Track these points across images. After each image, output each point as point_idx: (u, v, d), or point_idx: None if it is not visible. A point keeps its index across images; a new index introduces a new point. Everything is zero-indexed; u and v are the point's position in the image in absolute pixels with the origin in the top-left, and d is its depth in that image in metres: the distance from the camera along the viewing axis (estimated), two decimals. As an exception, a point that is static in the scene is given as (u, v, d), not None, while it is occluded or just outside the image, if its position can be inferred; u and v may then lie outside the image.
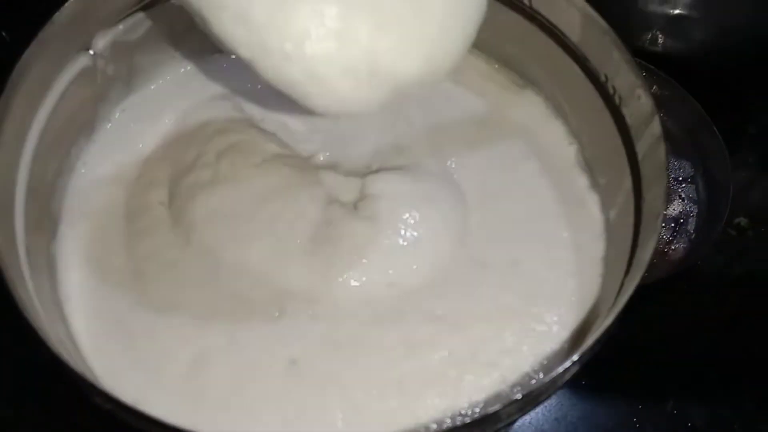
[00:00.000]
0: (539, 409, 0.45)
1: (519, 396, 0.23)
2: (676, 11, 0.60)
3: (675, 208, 0.58)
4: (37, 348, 0.26)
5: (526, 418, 0.44)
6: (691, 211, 0.58)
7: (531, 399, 0.24)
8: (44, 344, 0.25)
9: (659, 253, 0.56)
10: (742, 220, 0.58)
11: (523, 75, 0.40)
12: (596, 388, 0.49)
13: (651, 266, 0.53)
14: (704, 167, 0.60)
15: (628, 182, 0.32)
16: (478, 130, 0.40)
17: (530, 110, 0.40)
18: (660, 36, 0.62)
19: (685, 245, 0.56)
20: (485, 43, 0.41)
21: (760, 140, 0.63)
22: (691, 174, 0.60)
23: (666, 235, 0.57)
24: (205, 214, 0.35)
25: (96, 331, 0.32)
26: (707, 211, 0.58)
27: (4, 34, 0.64)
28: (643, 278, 0.52)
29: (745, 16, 0.60)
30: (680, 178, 0.60)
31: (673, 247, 0.56)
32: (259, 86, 0.39)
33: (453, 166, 0.38)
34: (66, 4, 0.33)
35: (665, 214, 0.56)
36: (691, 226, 0.57)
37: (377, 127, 0.39)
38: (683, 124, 0.60)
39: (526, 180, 0.38)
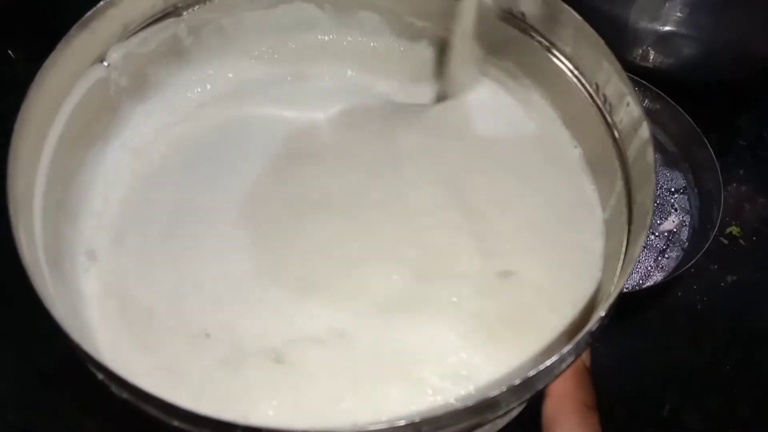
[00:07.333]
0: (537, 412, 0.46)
1: (517, 381, 0.25)
2: (666, 28, 0.62)
3: (668, 218, 0.60)
4: (55, 346, 0.27)
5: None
6: (684, 221, 0.60)
7: (528, 386, 0.26)
8: (68, 338, 0.26)
9: (654, 262, 0.57)
10: (734, 229, 0.60)
11: (522, 85, 0.42)
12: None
13: (645, 274, 0.55)
14: (696, 178, 0.61)
15: (620, 184, 0.34)
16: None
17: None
18: (651, 52, 0.63)
19: (678, 254, 0.58)
20: (485, 58, 0.42)
21: (749, 152, 0.64)
22: (683, 185, 0.61)
23: (660, 244, 0.58)
24: None
25: (110, 325, 0.33)
26: (699, 221, 0.59)
27: (10, 52, 0.66)
28: (638, 285, 0.54)
29: (732, 32, 0.61)
30: (673, 189, 0.61)
31: (666, 256, 0.58)
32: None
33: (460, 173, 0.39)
34: (82, 18, 0.34)
35: (658, 224, 0.58)
36: (683, 236, 0.59)
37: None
38: (675, 137, 0.62)
39: (537, 182, 0.39)
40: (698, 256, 0.53)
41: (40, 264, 0.30)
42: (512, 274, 0.35)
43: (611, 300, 0.27)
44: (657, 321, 0.56)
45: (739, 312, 0.56)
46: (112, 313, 0.34)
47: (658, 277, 0.56)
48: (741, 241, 0.59)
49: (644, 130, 0.31)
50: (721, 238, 0.59)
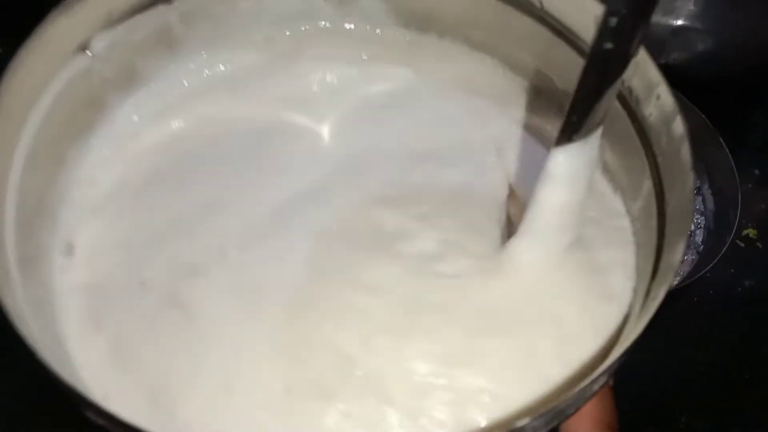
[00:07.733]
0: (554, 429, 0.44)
1: (547, 409, 0.22)
2: (679, 22, 0.60)
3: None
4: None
5: None
6: (699, 223, 0.57)
7: (559, 412, 0.23)
8: (35, 356, 0.23)
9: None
10: (751, 232, 0.57)
11: (533, 78, 0.39)
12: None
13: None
14: (711, 179, 0.59)
15: (648, 185, 0.31)
16: None
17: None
18: (663, 47, 0.62)
19: (693, 257, 0.55)
20: (495, 49, 0.40)
21: (764, 152, 0.62)
22: (697, 185, 0.59)
23: (674, 247, 0.56)
24: None
25: (85, 336, 0.31)
26: (715, 223, 0.57)
27: (-1, 47, 0.64)
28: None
29: (748, 27, 0.59)
30: (686, 190, 0.59)
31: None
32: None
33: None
34: (62, 2, 0.31)
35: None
36: (699, 238, 0.56)
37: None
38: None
39: None
40: (715, 260, 0.51)
41: (11, 275, 0.27)
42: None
43: (648, 315, 0.24)
44: (672, 327, 0.53)
45: (754, 316, 0.54)
46: (87, 321, 0.31)
47: (673, 282, 0.54)
48: (758, 244, 0.57)
49: (678, 125, 0.29)
50: (737, 241, 0.57)
